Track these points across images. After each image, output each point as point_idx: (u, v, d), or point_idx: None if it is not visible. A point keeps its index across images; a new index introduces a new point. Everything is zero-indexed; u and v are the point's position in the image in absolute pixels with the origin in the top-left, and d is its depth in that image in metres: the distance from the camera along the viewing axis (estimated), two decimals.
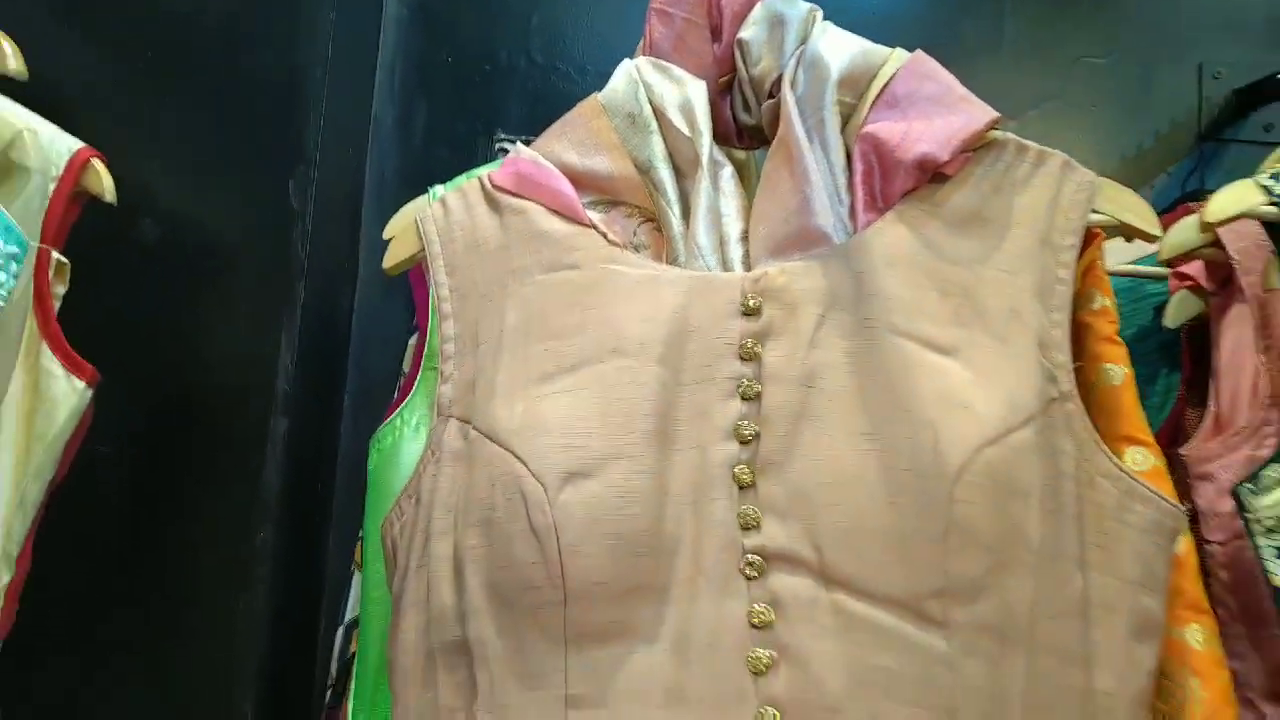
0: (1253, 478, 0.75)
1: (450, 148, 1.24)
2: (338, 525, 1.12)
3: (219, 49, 1.03)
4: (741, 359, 0.66)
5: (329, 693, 0.95)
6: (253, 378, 1.02)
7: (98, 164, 0.89)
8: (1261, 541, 0.74)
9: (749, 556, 0.62)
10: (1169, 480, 0.71)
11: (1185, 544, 0.69)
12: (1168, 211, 1.19)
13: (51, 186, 0.85)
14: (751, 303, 0.67)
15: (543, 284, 0.70)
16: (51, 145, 0.86)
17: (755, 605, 0.61)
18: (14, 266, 0.75)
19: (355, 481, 1.12)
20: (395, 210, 1.04)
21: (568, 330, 0.68)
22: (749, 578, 0.61)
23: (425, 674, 0.65)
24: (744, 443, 0.64)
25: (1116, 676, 0.63)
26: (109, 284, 0.98)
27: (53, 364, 0.87)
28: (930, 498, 0.60)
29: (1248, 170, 1.21)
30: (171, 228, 1.02)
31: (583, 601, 0.60)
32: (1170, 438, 0.94)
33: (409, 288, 1.15)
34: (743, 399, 0.65)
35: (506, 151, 1.29)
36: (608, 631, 0.60)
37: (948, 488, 0.59)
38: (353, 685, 0.81)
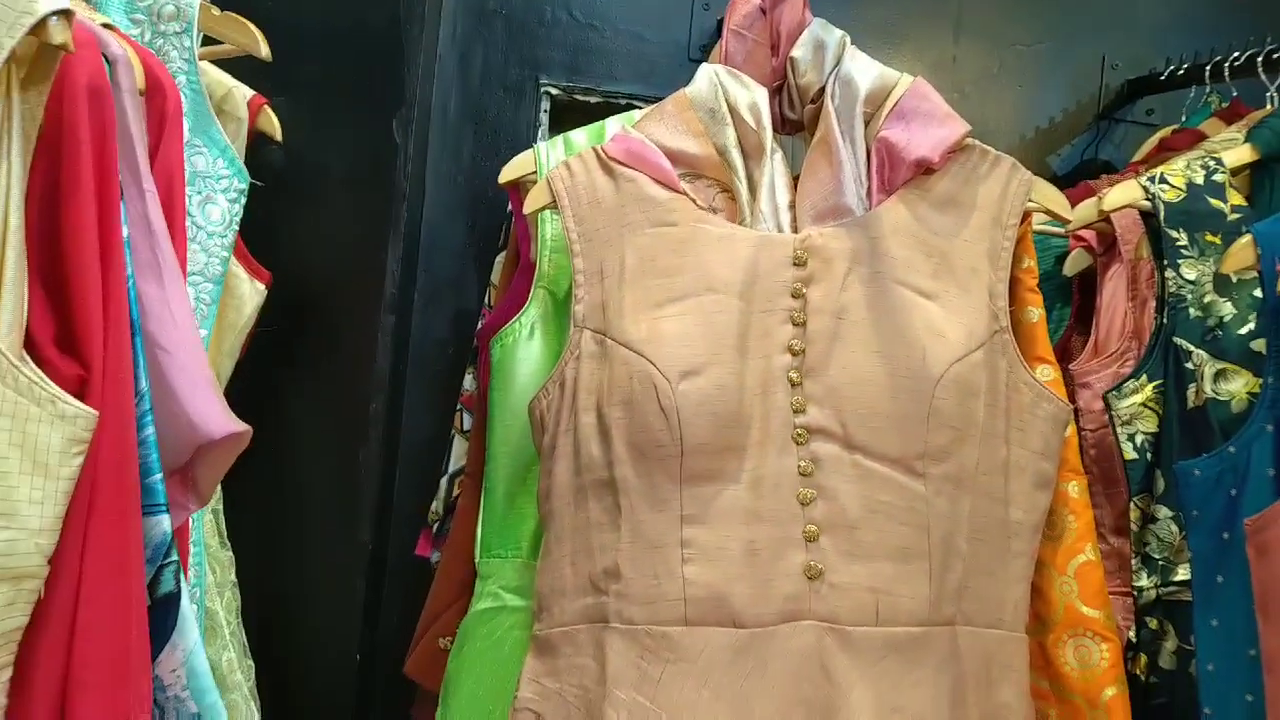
0: (1117, 387, 1.11)
1: (501, 89, 1.47)
2: (413, 396, 1.39)
3: (334, 6, 1.24)
4: (793, 296, 0.95)
5: (435, 525, 1.25)
6: (367, 281, 1.28)
7: (269, 110, 1.12)
8: (1120, 430, 1.09)
9: (798, 430, 0.92)
10: (1064, 388, 1.05)
11: (1071, 429, 1.03)
12: (1073, 179, 1.53)
13: (243, 130, 1.08)
14: (800, 256, 0.96)
15: (652, 235, 0.98)
16: (241, 97, 1.09)
17: (802, 461, 0.92)
18: (243, 199, 0.98)
19: (426, 364, 1.39)
20: (457, 140, 1.28)
21: (672, 270, 0.96)
22: (798, 443, 0.92)
23: (577, 501, 0.94)
24: (795, 355, 0.94)
25: (1024, 511, 0.97)
26: (248, 204, 1.21)
27: (239, 269, 1.11)
28: (919, 394, 0.91)
29: (1134, 146, 1.55)
30: (295, 158, 1.25)
31: (693, 455, 0.90)
32: (1059, 355, 1.30)
33: (465, 211, 1.41)
34: (794, 325, 0.95)
35: (550, 95, 1.53)
36: (709, 474, 0.90)
37: (931, 388, 0.91)
38: (482, 514, 1.09)
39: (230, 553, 1.03)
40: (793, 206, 1.01)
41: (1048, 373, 1.04)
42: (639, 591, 0.90)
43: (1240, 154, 1.16)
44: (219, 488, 1.04)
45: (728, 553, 0.89)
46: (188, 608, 0.68)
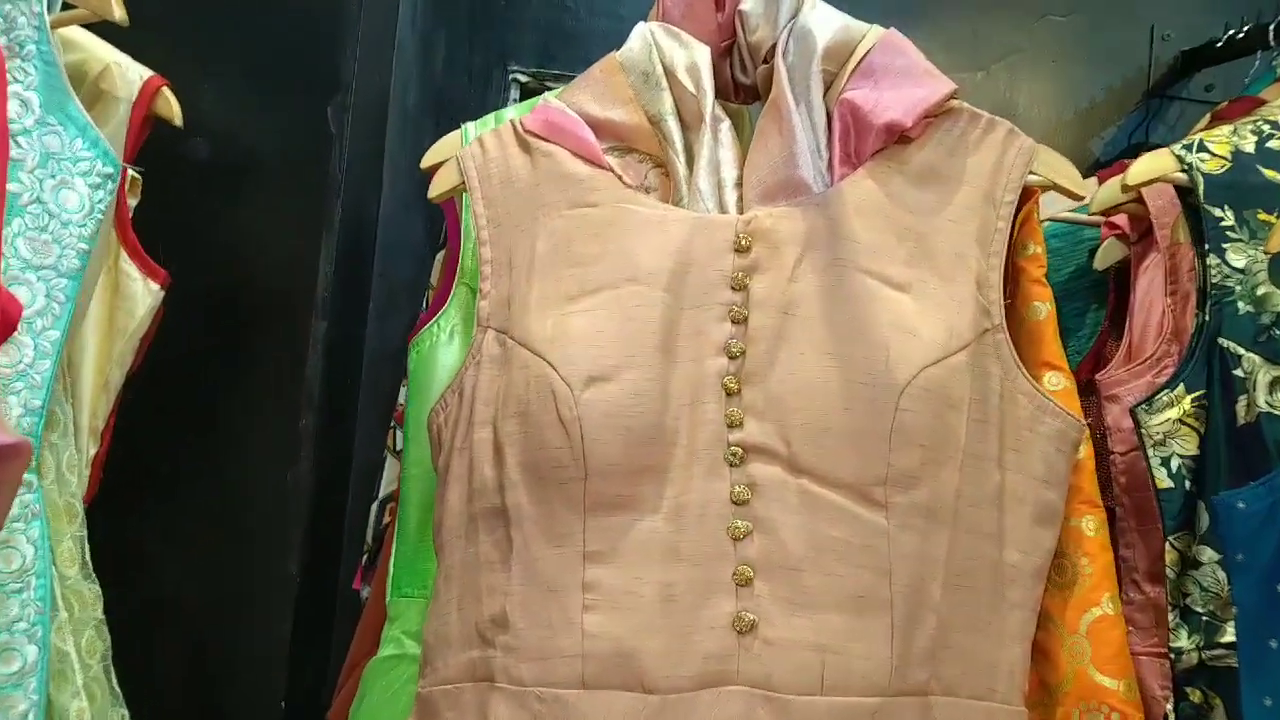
0: (1148, 400, 0.91)
1: (467, 77, 1.35)
2: (364, 415, 1.26)
3: None
4: (733, 289, 0.80)
5: (365, 556, 1.11)
6: (297, 284, 1.16)
7: (167, 92, 1.01)
8: (1151, 452, 0.90)
9: (732, 448, 0.76)
10: (1077, 399, 0.86)
11: (1085, 450, 0.85)
12: (1113, 162, 1.33)
13: (130, 112, 0.97)
14: (743, 241, 0.80)
15: (568, 218, 0.83)
16: (128, 74, 0.98)
17: (736, 486, 0.75)
18: (110, 185, 0.86)
19: (381, 377, 1.27)
20: (416, 133, 1.15)
21: (589, 258, 0.81)
22: (732, 465, 0.76)
23: (468, 533, 0.79)
24: (732, 358, 0.78)
25: (1021, 552, 0.79)
26: (167, 198, 1.10)
27: (130, 268, 1.00)
28: (880, 405, 0.74)
29: (1190, 126, 1.35)
30: (222, 148, 1.14)
31: (600, 478, 0.75)
32: (1094, 365, 1.10)
33: (426, 207, 1.28)
34: (733, 322, 0.79)
35: (520, 82, 1.40)
36: (619, 502, 0.75)
37: (894, 398, 0.74)
38: (394, 547, 0.96)
39: (97, 586, 0.92)
40: (740, 184, 0.85)
41: (1057, 381, 0.86)
42: (530, 645, 0.74)
43: None
44: (80, 511, 0.91)
45: (639, 599, 0.74)
46: None
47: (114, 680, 0.91)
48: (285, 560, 1.14)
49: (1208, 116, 1.24)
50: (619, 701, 0.72)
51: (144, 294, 1.00)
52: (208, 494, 1.13)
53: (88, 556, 0.91)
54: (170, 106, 1.00)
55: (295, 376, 1.15)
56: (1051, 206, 1.20)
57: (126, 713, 0.91)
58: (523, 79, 1.36)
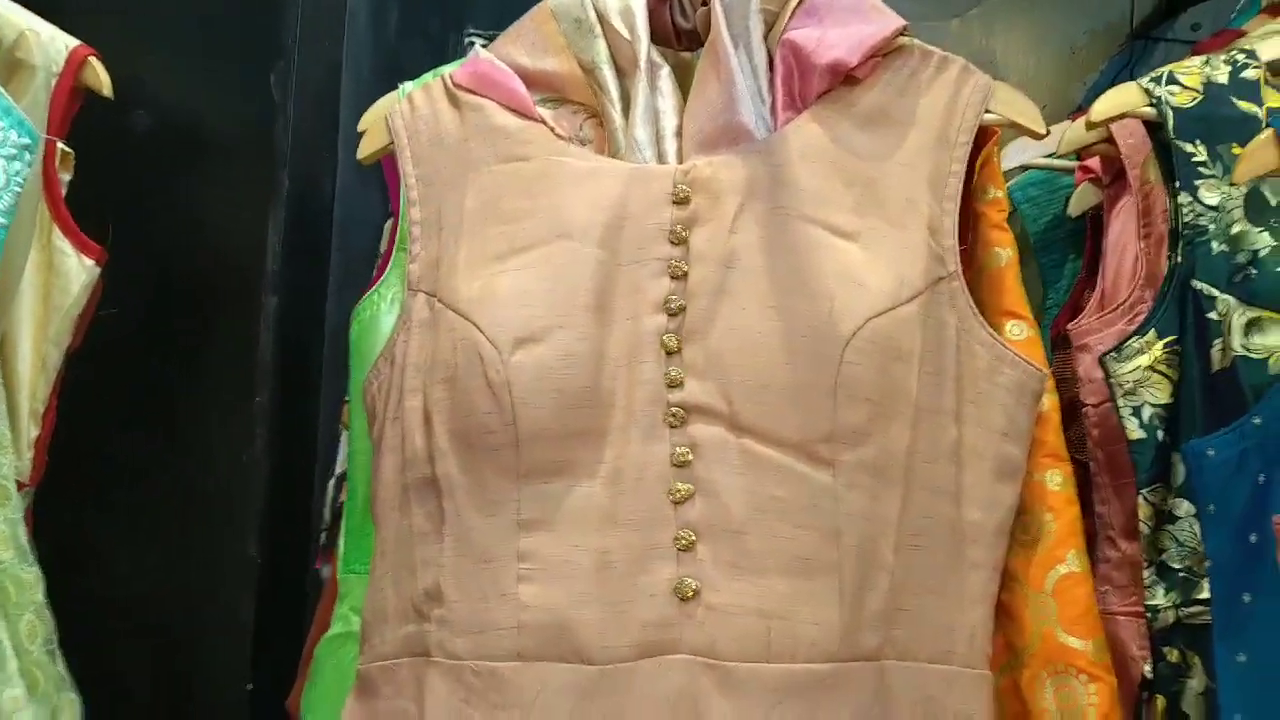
0: (1117, 348, 0.87)
1: (423, 42, 1.31)
2: (325, 391, 1.24)
3: None
4: (671, 243, 0.76)
5: (323, 535, 1.09)
6: (243, 258, 1.13)
7: (95, 62, 0.98)
8: (1121, 402, 0.86)
9: (672, 409, 0.73)
10: (1041, 349, 0.82)
11: (1049, 402, 0.81)
12: None
13: (54, 82, 0.94)
14: (681, 193, 0.77)
15: (497, 173, 0.80)
16: (51, 43, 0.95)
17: (677, 448, 0.72)
18: (27, 156, 0.83)
19: (341, 352, 1.24)
20: (371, 102, 1.11)
21: (519, 215, 0.78)
22: (672, 426, 0.73)
23: (401, 505, 0.77)
24: (672, 315, 0.75)
25: (982, 509, 0.76)
26: (108, 172, 1.07)
27: (64, 244, 0.97)
28: (823, 359, 0.71)
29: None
30: (162, 119, 1.10)
31: (532, 444, 0.72)
32: (1070, 316, 1.06)
33: (384, 177, 1.25)
34: (671, 278, 0.75)
35: (476, 46, 1.36)
36: (553, 468, 0.72)
37: (838, 351, 0.71)
38: (343, 523, 0.93)
39: (36, 569, 0.90)
40: (680, 133, 0.81)
41: (1019, 331, 0.82)
42: (464, 618, 0.72)
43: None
44: (13, 493, 0.89)
45: (575, 567, 0.72)
46: None
47: (60, 664, 0.89)
48: (244, 542, 1.12)
49: (1190, 55, 1.19)
50: (556, 674, 0.70)
51: (79, 271, 0.97)
52: (161, 477, 1.11)
53: (24, 539, 0.89)
54: (99, 77, 0.97)
55: (247, 354, 1.12)
56: (1025, 154, 1.16)
57: (76, 696, 0.89)
58: (480, 42, 1.31)
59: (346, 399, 1.11)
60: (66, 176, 1.01)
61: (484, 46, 1.37)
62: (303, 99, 1.16)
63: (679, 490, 0.72)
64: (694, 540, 0.71)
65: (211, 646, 1.13)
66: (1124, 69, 1.38)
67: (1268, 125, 0.74)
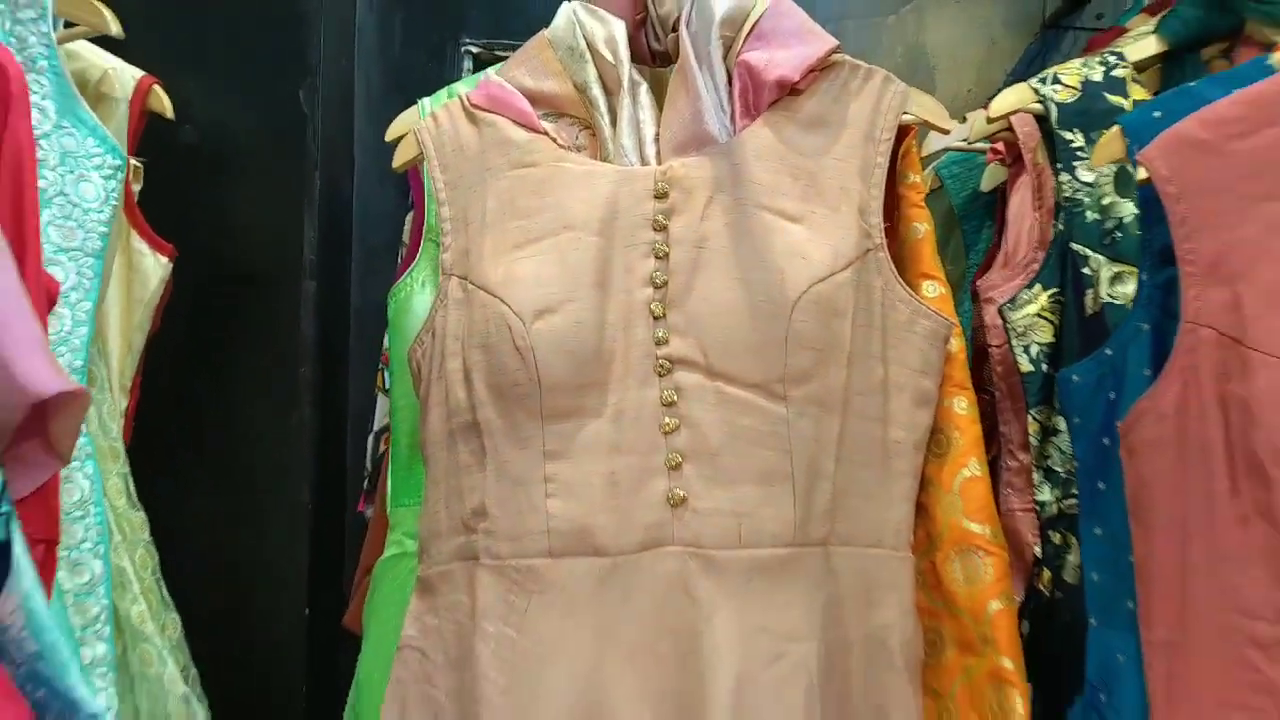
0: (1013, 299, 1.08)
1: (424, 53, 1.49)
2: (355, 363, 1.43)
3: None
4: (655, 229, 0.95)
5: (365, 482, 1.28)
6: (285, 251, 1.31)
7: (158, 89, 1.16)
8: (1015, 342, 1.07)
9: (661, 361, 0.92)
10: (951, 304, 1.02)
11: (956, 345, 1.00)
12: None
13: (126, 109, 1.12)
14: (661, 189, 0.96)
15: (511, 178, 0.98)
16: (124, 76, 1.12)
17: (665, 391, 0.91)
18: (119, 175, 1.01)
19: (366, 329, 1.43)
20: (382, 108, 1.30)
21: (531, 211, 0.96)
22: (661, 375, 0.92)
23: (448, 445, 0.96)
24: (657, 287, 0.93)
25: (904, 430, 0.96)
26: (165, 182, 1.25)
27: (141, 245, 1.15)
28: (777, 318, 0.90)
29: (1082, 53, 1.48)
30: (209, 133, 1.28)
31: (552, 393, 0.91)
32: (984, 273, 1.27)
33: (396, 177, 1.43)
34: (656, 258, 0.94)
35: (472, 54, 1.53)
36: (569, 411, 0.91)
37: (788, 311, 0.90)
38: (390, 468, 1.13)
39: (142, 513, 1.09)
40: (658, 139, 1.01)
41: (933, 289, 1.02)
42: (505, 528, 0.91)
43: (1144, 46, 1.11)
44: (123, 450, 1.08)
45: (590, 486, 0.90)
46: (21, 555, 0.72)
47: (164, 590, 1.08)
48: (298, 491, 1.31)
49: (1085, 49, 1.39)
50: (579, 565, 0.89)
51: (155, 267, 1.15)
52: (224, 438, 1.30)
53: (132, 490, 1.07)
54: (161, 101, 1.15)
55: (291, 332, 1.31)
56: (949, 139, 1.36)
57: (177, 616, 1.08)
58: (475, 50, 1.49)
59: (380, 367, 1.30)
60: (138, 187, 1.19)
61: (477, 55, 1.56)
62: (327, 110, 1.34)
63: (668, 424, 0.91)
64: (681, 461, 0.90)
65: (273, 579, 1.32)
66: (1037, 56, 1.58)
67: (1116, 122, 0.94)
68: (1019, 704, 0.89)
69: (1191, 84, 0.91)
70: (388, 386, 1.27)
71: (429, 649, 0.94)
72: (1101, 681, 0.89)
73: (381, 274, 1.44)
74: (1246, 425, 0.78)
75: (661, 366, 0.91)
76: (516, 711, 0.87)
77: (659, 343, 0.92)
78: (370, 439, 1.27)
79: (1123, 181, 1.06)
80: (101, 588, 0.94)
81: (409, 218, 1.28)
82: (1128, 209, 1.05)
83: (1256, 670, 0.77)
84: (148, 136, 1.20)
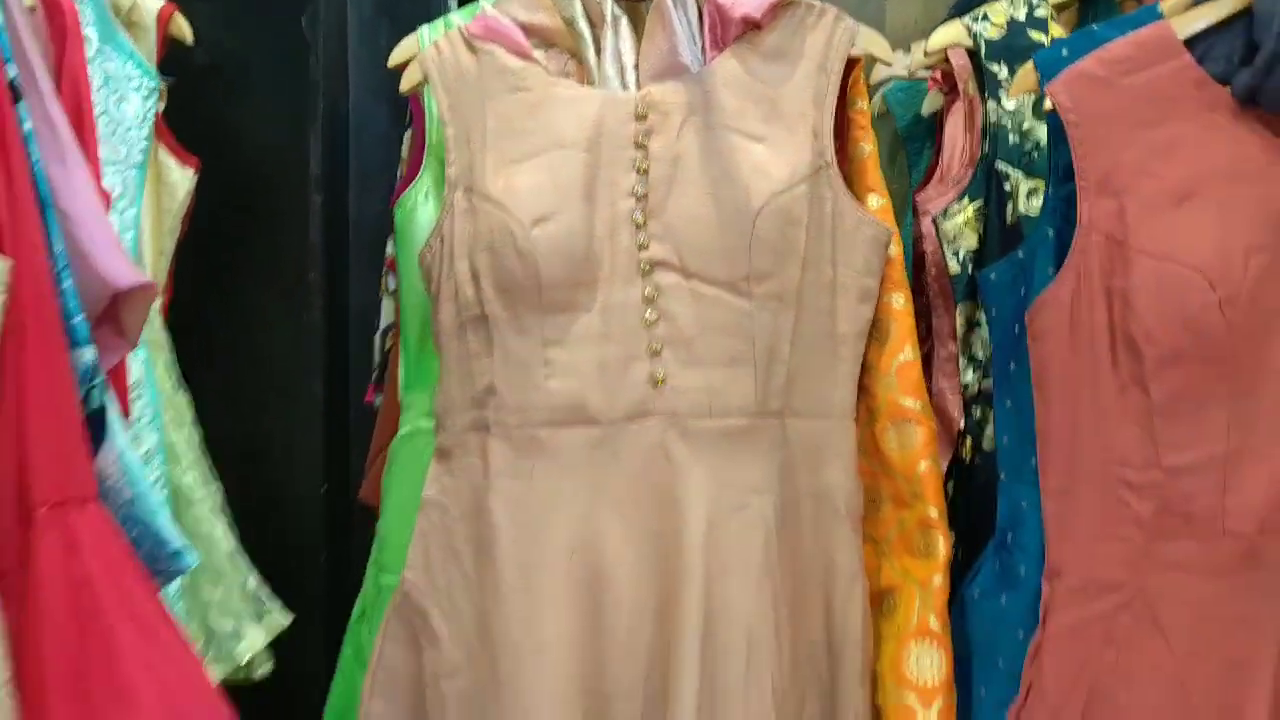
0: (945, 211, 1.25)
1: None
2: (355, 267, 1.56)
3: None
4: (636, 147, 1.08)
5: (374, 374, 1.43)
6: (293, 167, 1.44)
7: (179, 16, 1.26)
8: (946, 248, 1.24)
9: (642, 264, 1.06)
10: (891, 214, 1.17)
11: (895, 249, 1.15)
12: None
13: (153, 36, 1.22)
14: (641, 111, 1.09)
15: (508, 101, 1.11)
16: (149, 5, 1.23)
17: (646, 289, 1.06)
18: (155, 96, 1.13)
19: (364, 239, 1.56)
20: (372, 35, 1.41)
21: (526, 131, 1.10)
22: (643, 275, 1.06)
23: (459, 336, 1.10)
24: (638, 200, 1.07)
25: (848, 323, 1.11)
26: (182, 102, 1.36)
27: (168, 159, 1.27)
28: (742, 225, 1.05)
29: None
30: (219, 58, 1.39)
31: (550, 290, 1.05)
32: (923, 189, 1.43)
33: (387, 100, 1.55)
34: (637, 173, 1.08)
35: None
36: (565, 305, 1.05)
37: (751, 220, 1.05)
38: (400, 360, 1.28)
39: (187, 395, 1.23)
40: (637, 67, 1.14)
41: (876, 201, 1.16)
42: (512, 403, 1.07)
43: None
44: (168, 339, 1.22)
45: (583, 368, 1.05)
46: (115, 418, 0.86)
47: (209, 463, 1.24)
48: (311, 383, 1.46)
49: None
50: (576, 433, 1.04)
51: (181, 179, 1.27)
52: (243, 335, 1.44)
53: (177, 375, 1.22)
54: (182, 28, 1.26)
55: (301, 241, 1.44)
56: (894, 69, 1.51)
57: (220, 485, 1.24)
58: None
59: (384, 271, 1.44)
60: (161, 105, 1.30)
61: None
62: (326, 36, 1.45)
63: (649, 317, 1.05)
64: (660, 348, 1.04)
65: (292, 460, 1.48)
66: None
67: (1031, 59, 1.10)
68: (942, 545, 1.08)
69: (1094, 26, 1.06)
70: (393, 289, 1.41)
71: (448, 504, 1.10)
72: (1009, 525, 1.09)
73: (375, 188, 1.56)
74: (1125, 311, 0.96)
75: (643, 268, 1.07)
76: (524, 551, 1.04)
77: (641, 247, 1.07)
78: (377, 337, 1.42)
79: (1039, 108, 1.22)
80: (158, 457, 1.09)
81: (407, 136, 1.41)
82: (1043, 133, 1.21)
83: (1127, 507, 0.96)
84: (164, 60, 1.31)
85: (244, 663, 1.25)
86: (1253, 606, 0.93)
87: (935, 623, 1.05)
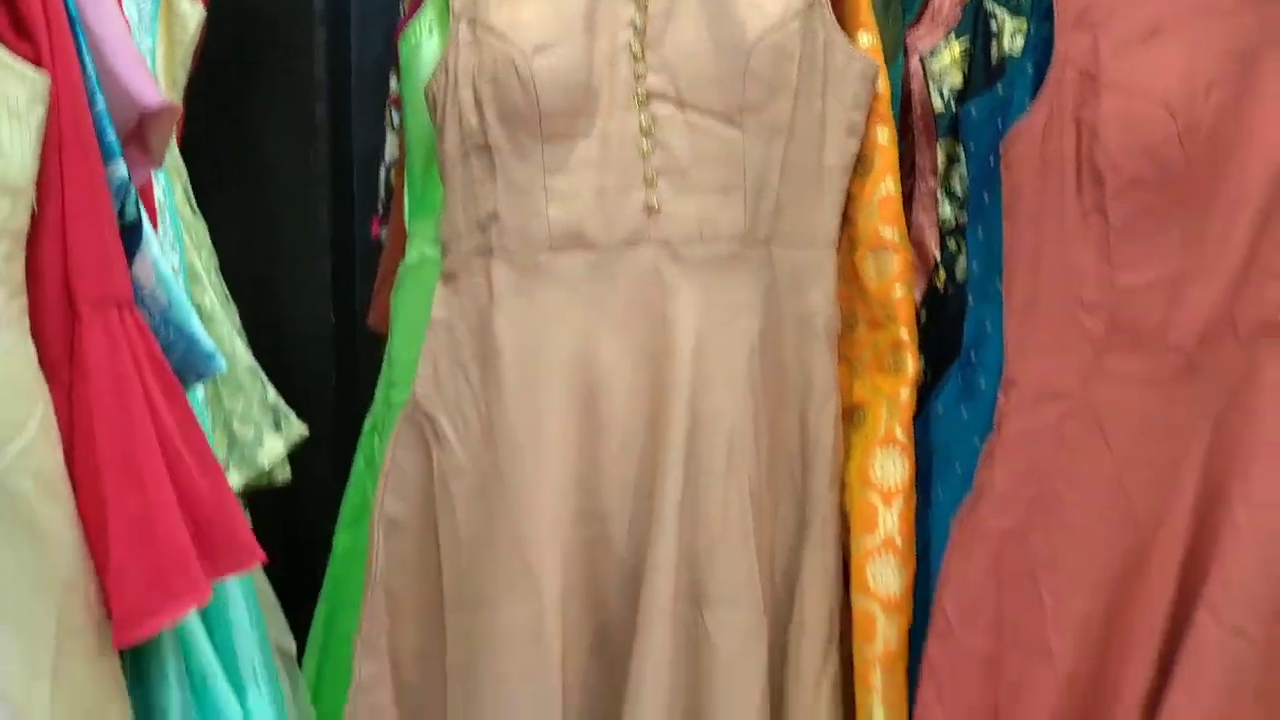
0: (932, 50, 1.28)
1: None
2: (357, 105, 1.61)
3: None
4: None
5: (380, 207, 1.50)
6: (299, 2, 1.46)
7: None
8: (931, 86, 1.28)
9: (639, 94, 1.12)
10: (880, 51, 1.22)
11: (882, 85, 1.20)
12: None
13: None
14: None
15: None
16: None
17: (643, 119, 1.12)
18: None
19: (365, 76, 1.60)
20: None
21: None
22: (640, 105, 1.12)
23: (463, 162, 1.16)
24: (637, 32, 1.12)
25: (835, 155, 1.17)
26: None
27: None
28: (737, 59, 1.10)
29: None
30: None
31: (551, 118, 1.11)
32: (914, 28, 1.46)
33: None
34: (636, 5, 1.12)
35: None
36: (565, 133, 1.11)
37: (746, 53, 1.10)
38: (405, 191, 1.34)
39: (202, 221, 1.30)
40: None
41: (867, 39, 1.20)
42: (514, 228, 1.14)
43: None
44: (183, 167, 1.28)
45: (582, 196, 1.12)
46: (148, 229, 0.93)
47: (225, 288, 1.31)
48: (318, 216, 1.52)
49: None
50: (576, 255, 1.12)
51: (191, 12, 1.30)
52: (252, 170, 1.49)
53: (193, 200, 1.28)
54: None
55: (306, 75, 1.48)
56: None
57: (235, 306, 1.32)
58: None
59: (388, 107, 1.48)
60: None
61: None
62: None
63: (645, 148, 1.12)
64: (656, 177, 1.11)
65: (301, 294, 1.56)
66: None
67: None
68: (911, 364, 1.17)
69: None
70: (397, 124, 1.46)
71: (455, 323, 1.18)
72: (973, 343, 1.17)
73: (377, 28, 1.59)
74: (1092, 141, 1.02)
75: (640, 98, 1.12)
76: (526, 365, 1.12)
77: (638, 78, 1.12)
78: (382, 170, 1.48)
79: None
80: (180, 277, 1.16)
81: None
82: None
83: (1081, 324, 1.05)
84: None
85: (266, 468, 1.35)
86: (1188, 416, 1.02)
87: (900, 433, 1.15)
